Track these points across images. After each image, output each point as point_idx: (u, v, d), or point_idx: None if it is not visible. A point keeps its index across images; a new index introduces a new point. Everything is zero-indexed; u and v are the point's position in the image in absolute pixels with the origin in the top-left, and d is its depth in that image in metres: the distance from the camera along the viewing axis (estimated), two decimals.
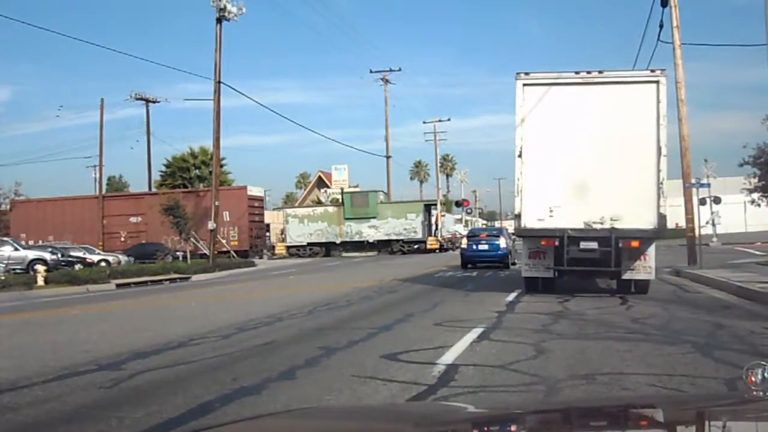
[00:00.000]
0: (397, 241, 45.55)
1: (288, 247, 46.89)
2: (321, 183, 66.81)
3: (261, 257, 46.59)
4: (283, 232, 49.14)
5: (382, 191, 53.22)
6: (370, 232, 46.11)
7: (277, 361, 7.59)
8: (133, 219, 46.47)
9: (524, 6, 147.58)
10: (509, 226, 40.85)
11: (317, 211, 48.03)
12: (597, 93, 13.62)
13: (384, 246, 46.20)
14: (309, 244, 46.61)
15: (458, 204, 44.87)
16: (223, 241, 43.32)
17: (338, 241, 46.66)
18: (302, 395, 5.98)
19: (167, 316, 13.35)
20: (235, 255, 41.04)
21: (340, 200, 49.12)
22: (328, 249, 47.03)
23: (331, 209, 47.99)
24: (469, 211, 52.28)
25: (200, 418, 5.34)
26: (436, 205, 50.19)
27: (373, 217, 46.15)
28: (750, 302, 12.47)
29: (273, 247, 49.45)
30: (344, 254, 46.86)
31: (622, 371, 6.65)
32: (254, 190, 48.07)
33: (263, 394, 6.03)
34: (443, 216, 50.93)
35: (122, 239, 45.81)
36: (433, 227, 46.62)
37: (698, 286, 15.96)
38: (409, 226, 45.30)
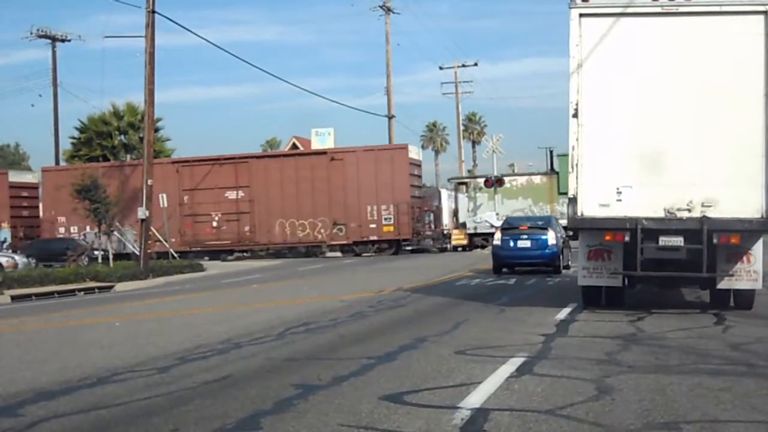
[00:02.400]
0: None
1: (470, 236, 45.78)
2: None
3: (421, 249, 45.21)
4: (457, 212, 48.71)
5: None
6: None
7: (235, 404, 7.61)
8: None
9: None
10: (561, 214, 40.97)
11: (517, 183, 46.79)
12: (683, 27, 13.57)
13: None
14: None
15: (489, 183, 44.64)
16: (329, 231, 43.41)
17: None
18: None
19: (82, 340, 13.38)
20: (175, 255, 41.09)
21: (549, 165, 47.61)
22: None
23: (538, 179, 46.83)
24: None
25: None
26: None
27: None
28: None
29: (444, 236, 48.67)
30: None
31: (717, 418, 6.69)
32: (413, 151, 47.22)
33: None
34: None
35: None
36: None
37: None
38: None
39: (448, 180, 50.58)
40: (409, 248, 45.66)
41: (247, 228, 44.91)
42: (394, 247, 44.41)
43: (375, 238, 44.12)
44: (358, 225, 43.96)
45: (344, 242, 44.58)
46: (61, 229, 45.98)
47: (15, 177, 49.18)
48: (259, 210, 44.61)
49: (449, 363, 9.55)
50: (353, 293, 19.80)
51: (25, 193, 48.77)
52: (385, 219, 43.61)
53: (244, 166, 45.40)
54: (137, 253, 36.08)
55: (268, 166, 45.12)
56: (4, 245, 45.59)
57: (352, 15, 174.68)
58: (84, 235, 43.98)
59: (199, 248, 45.63)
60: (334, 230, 44.18)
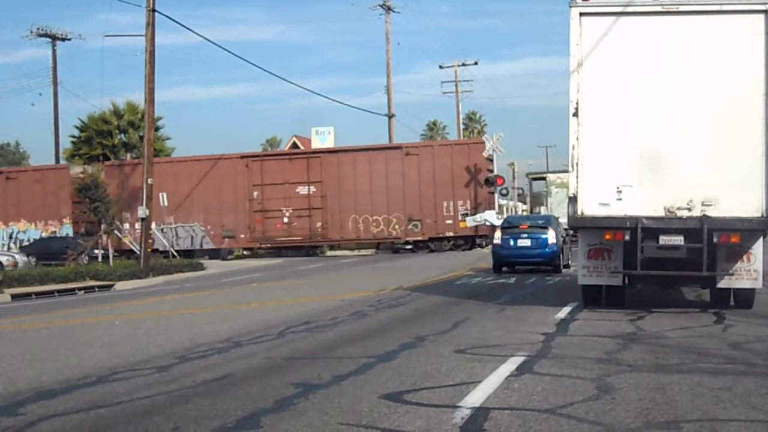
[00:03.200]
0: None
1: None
2: None
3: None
4: (531, 209, 47.57)
5: None
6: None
7: (235, 402, 7.61)
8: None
9: None
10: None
11: None
12: (683, 26, 13.58)
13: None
14: None
15: (489, 182, 44.50)
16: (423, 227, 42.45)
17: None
18: None
19: (82, 339, 13.38)
20: (175, 254, 41.13)
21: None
22: None
23: None
24: (504, 192, 52.12)
25: None
26: None
27: None
28: None
29: None
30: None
31: (717, 417, 6.69)
32: (488, 146, 46.37)
33: None
34: None
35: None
36: None
37: None
38: None
39: (526, 175, 50.25)
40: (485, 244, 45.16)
41: (319, 224, 44.35)
42: (470, 243, 43.71)
43: (451, 234, 43.43)
44: (434, 221, 43.40)
45: (420, 238, 43.94)
46: (126, 225, 45.33)
47: (76, 171, 47.42)
48: (332, 205, 43.93)
49: (449, 362, 9.55)
50: (353, 292, 19.80)
51: None
52: (462, 215, 42.99)
53: (316, 160, 44.65)
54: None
55: (340, 161, 44.36)
56: None
57: (352, 14, 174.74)
58: (154, 231, 43.77)
59: (269, 244, 45.19)
60: (409, 226, 43.64)
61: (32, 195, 46.78)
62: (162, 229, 43.55)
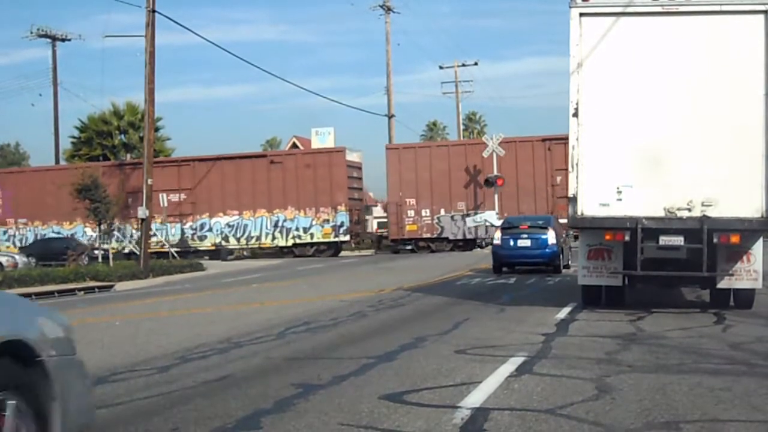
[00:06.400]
0: None
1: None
2: None
3: None
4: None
5: None
6: None
7: (235, 403, 7.62)
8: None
9: None
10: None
11: None
12: (683, 27, 13.60)
13: None
14: None
15: (488, 182, 44.37)
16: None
17: None
18: None
19: (82, 340, 13.26)
20: (175, 255, 41.12)
21: None
22: None
23: None
24: None
25: None
26: None
27: None
28: None
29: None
30: None
31: (717, 417, 6.69)
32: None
33: None
34: None
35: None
36: None
37: None
38: None
39: None
40: None
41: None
42: None
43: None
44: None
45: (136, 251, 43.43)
46: (410, 212, 43.31)
47: (347, 156, 45.38)
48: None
49: (449, 362, 9.55)
50: (353, 293, 19.81)
51: (354, 174, 45.09)
52: None
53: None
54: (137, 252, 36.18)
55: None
56: (341, 230, 42.98)
57: (352, 14, 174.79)
58: (460, 217, 42.79)
59: (574, 233, 43.55)
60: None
61: (302, 180, 43.99)
62: (452, 217, 42.54)
